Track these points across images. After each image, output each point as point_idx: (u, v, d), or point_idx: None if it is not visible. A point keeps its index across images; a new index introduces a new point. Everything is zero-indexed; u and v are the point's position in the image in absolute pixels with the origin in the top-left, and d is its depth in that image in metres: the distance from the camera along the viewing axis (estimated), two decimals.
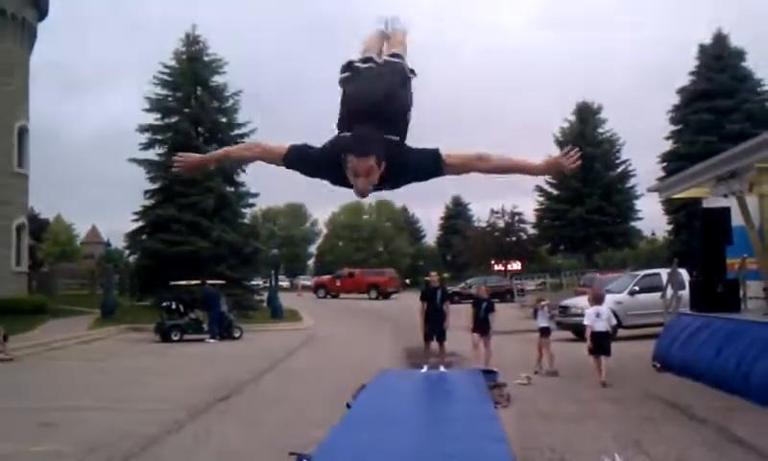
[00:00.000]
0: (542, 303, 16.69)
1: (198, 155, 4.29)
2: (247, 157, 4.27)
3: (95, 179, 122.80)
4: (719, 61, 49.17)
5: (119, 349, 23.06)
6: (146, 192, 36.43)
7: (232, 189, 37.76)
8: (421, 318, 15.56)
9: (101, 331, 28.11)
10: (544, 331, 15.66)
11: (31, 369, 18.18)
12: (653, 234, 66.50)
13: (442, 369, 14.40)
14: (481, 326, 15.51)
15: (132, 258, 40.77)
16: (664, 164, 49.11)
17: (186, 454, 8.80)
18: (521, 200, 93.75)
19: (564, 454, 8.22)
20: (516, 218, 66.86)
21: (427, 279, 17.07)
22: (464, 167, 3.69)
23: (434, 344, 15.31)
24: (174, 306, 26.02)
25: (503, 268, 62.31)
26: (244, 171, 37.83)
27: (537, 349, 15.66)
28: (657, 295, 19.58)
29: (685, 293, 16.97)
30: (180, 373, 17.14)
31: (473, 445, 8.26)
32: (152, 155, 36.48)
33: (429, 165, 3.68)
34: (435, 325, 15.38)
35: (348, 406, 11.04)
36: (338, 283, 56.38)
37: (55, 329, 27.35)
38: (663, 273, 20.59)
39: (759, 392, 10.96)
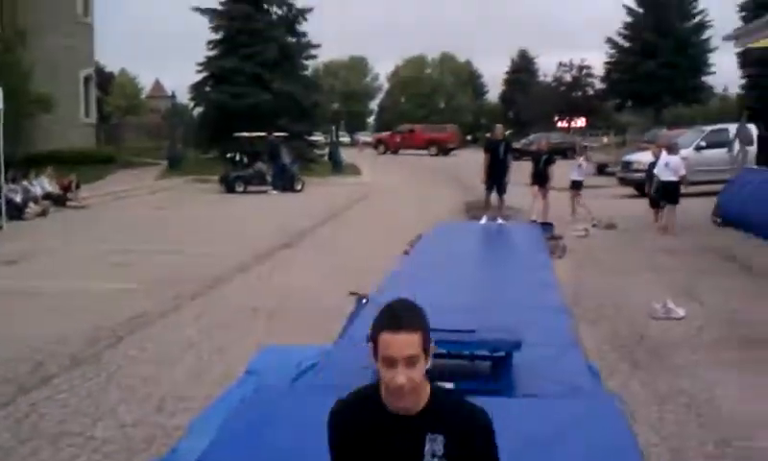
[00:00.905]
0: (579, 160, 17.95)
1: None
2: None
3: (158, 30, 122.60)
4: None
5: (185, 198, 23.76)
6: (209, 43, 36.39)
7: (294, 40, 37.39)
8: (485, 168, 15.56)
9: (168, 182, 28.91)
10: (576, 185, 16.56)
11: (101, 215, 18.95)
12: (725, 90, 63.83)
13: (499, 221, 14.55)
14: (539, 178, 15.54)
15: (196, 111, 41.17)
16: (743, 14, 46.73)
17: (250, 291, 9.23)
18: (591, 53, 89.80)
19: (616, 300, 8.35)
20: (584, 72, 65.22)
21: (488, 135, 17.21)
22: None
23: (494, 196, 15.35)
24: (238, 158, 26.51)
25: (566, 124, 61.29)
26: (306, 19, 37.33)
27: (570, 201, 16.56)
28: (723, 151, 19.11)
29: (753, 149, 16.56)
30: (244, 221, 17.68)
31: (525, 290, 8.47)
32: (214, 3, 36.21)
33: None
34: (497, 176, 15.40)
35: (406, 254, 11.36)
36: (398, 139, 55.76)
37: (124, 179, 28.23)
38: (732, 128, 19.95)
39: None
